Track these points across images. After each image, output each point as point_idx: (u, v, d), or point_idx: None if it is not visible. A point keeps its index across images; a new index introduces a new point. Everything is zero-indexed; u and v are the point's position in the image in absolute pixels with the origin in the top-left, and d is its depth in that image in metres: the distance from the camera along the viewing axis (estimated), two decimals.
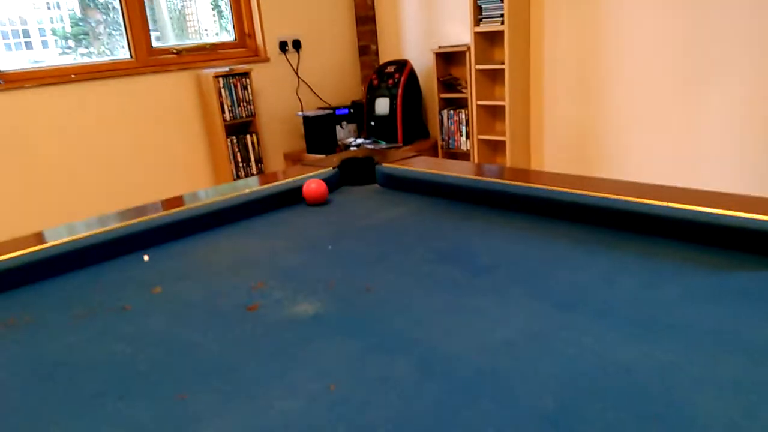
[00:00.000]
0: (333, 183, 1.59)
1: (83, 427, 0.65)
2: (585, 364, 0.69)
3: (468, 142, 3.57)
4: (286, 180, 1.53)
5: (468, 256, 1.05)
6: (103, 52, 8.42)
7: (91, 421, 0.66)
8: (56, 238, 1.18)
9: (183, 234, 1.30)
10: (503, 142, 3.38)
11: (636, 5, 2.87)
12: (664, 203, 1.08)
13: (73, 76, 2.97)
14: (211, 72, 3.25)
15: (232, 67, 3.35)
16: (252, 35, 3.63)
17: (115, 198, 3.14)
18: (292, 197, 1.49)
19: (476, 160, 3.48)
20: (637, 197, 1.13)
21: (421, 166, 1.57)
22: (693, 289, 0.86)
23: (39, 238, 1.21)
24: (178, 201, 1.42)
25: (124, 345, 0.83)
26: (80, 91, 2.97)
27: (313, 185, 1.43)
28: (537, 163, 3.45)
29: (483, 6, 3.25)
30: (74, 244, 1.16)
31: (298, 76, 3.77)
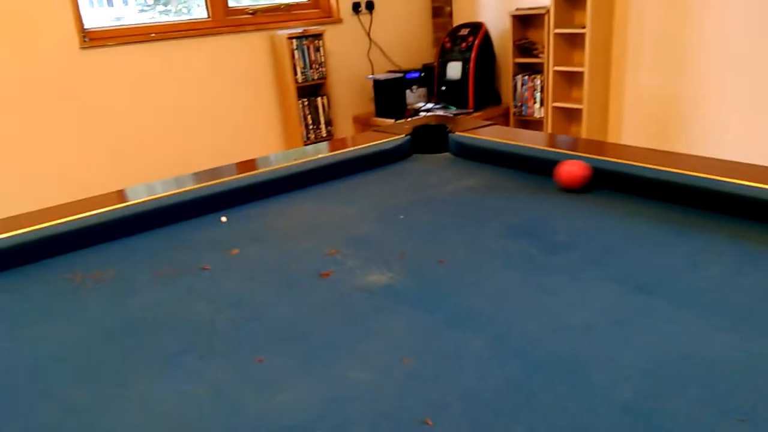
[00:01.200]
0: (405, 150, 1.58)
1: (166, 383, 0.68)
2: (667, 353, 0.66)
3: (542, 109, 3.46)
4: (357, 147, 1.53)
5: (544, 232, 1.03)
6: (180, 10, 8.60)
7: (173, 378, 0.69)
8: (137, 197, 1.23)
9: (256, 197, 1.32)
10: (579, 111, 3.25)
11: None
12: (756, 184, 1.01)
13: (153, 35, 3.05)
14: (285, 33, 3.26)
15: (306, 28, 3.35)
16: None
17: (189, 157, 3.24)
18: (363, 163, 1.49)
19: (550, 129, 3.37)
20: (725, 176, 1.07)
21: (494, 135, 1.53)
22: None
23: (121, 196, 1.26)
24: (251, 164, 1.44)
25: (204, 305, 0.86)
26: (159, 50, 3.05)
27: (575, 168, 1.19)
28: (615, 135, 3.31)
29: None
30: (156, 202, 1.20)
31: (370, 38, 3.74)
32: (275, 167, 1.38)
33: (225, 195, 1.29)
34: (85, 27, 2.87)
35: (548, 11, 3.23)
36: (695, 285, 0.81)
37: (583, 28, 3.09)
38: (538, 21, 3.44)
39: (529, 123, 3.62)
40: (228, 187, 1.29)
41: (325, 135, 3.52)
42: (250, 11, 3.39)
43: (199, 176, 1.37)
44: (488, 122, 1.67)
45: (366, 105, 3.81)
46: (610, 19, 3.14)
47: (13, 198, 2.78)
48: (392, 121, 3.54)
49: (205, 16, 3.29)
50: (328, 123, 3.52)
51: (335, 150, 1.51)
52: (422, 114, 3.52)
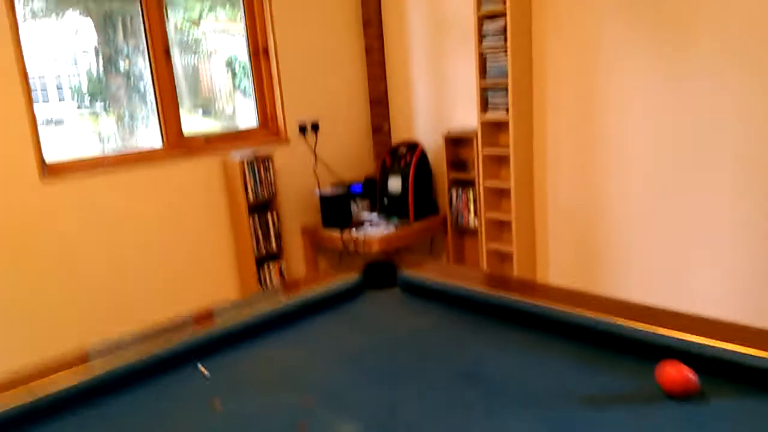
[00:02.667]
0: (357, 288, 1.78)
1: None
2: None
3: (476, 219, 3.77)
4: (312, 289, 1.72)
5: (482, 376, 1.23)
6: (122, 114, 8.71)
7: None
8: (97, 357, 1.37)
9: (213, 350, 1.46)
10: (509, 222, 3.58)
11: (636, 104, 3.11)
12: (651, 329, 1.27)
13: (106, 166, 3.22)
14: (237, 156, 3.50)
15: (257, 149, 3.60)
16: (274, 119, 3.90)
17: (148, 283, 3.33)
18: (317, 306, 1.67)
19: (483, 239, 3.67)
20: (629, 319, 1.32)
21: (438, 273, 1.77)
22: (681, 416, 1.03)
23: (83, 359, 1.39)
24: (208, 315, 1.61)
25: None
26: (115, 179, 3.21)
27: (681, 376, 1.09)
28: (542, 244, 3.64)
29: (489, 97, 3.52)
30: (119, 370, 1.32)
31: (316, 156, 4.02)
32: (230, 320, 1.55)
33: (190, 350, 1.44)
34: (45, 160, 3.01)
35: (476, 134, 3.61)
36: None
37: (507, 148, 3.47)
38: (468, 141, 3.82)
39: (465, 231, 3.93)
40: (186, 345, 1.45)
41: (275, 248, 3.70)
42: (204, 137, 3.63)
43: (156, 333, 1.52)
44: (430, 260, 1.91)
45: (313, 217, 4.03)
46: (530, 143, 3.54)
47: None
48: (338, 231, 3.77)
49: (159, 144, 3.50)
50: (278, 236, 3.71)
51: (290, 291, 1.70)
52: (368, 225, 3.78)
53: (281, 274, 3.76)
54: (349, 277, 1.79)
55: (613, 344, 1.29)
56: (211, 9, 9.68)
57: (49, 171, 3.02)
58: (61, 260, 3.05)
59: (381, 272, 1.83)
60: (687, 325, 1.29)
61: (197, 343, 1.44)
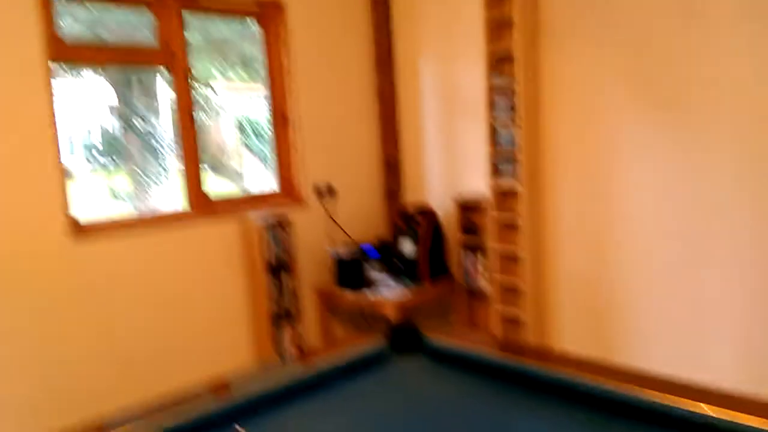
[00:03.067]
0: (383, 354, 1.86)
1: None
2: None
3: (487, 283, 3.86)
4: (336, 355, 1.80)
5: None
6: (137, 172, 8.91)
7: None
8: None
9: (240, 418, 1.51)
10: (520, 287, 3.66)
11: (644, 174, 3.26)
12: (668, 399, 1.35)
13: (134, 226, 3.34)
14: (256, 218, 3.62)
15: (276, 212, 3.73)
16: (292, 182, 4.05)
17: (165, 347, 3.40)
18: (344, 373, 1.74)
19: (495, 302, 3.75)
20: (646, 388, 1.40)
21: (460, 339, 1.85)
22: None
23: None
24: (225, 388, 1.69)
25: None
26: (134, 240, 3.32)
27: None
28: (553, 309, 3.71)
29: (499, 165, 3.67)
30: None
31: (332, 218, 4.15)
32: (250, 390, 1.62)
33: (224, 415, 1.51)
34: (74, 217, 3.14)
35: (487, 200, 3.74)
36: None
37: (518, 214, 3.60)
38: (479, 206, 3.95)
39: (477, 295, 4.01)
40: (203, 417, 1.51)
41: (290, 309, 3.78)
42: (226, 201, 3.77)
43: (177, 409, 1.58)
44: (457, 330, 2.00)
45: (328, 277, 4.13)
46: (541, 208, 3.67)
47: None
48: (352, 292, 3.86)
49: (180, 204, 3.64)
50: (294, 297, 3.80)
51: (314, 357, 1.79)
52: (382, 290, 3.87)
53: (298, 337, 3.82)
54: (374, 342, 1.87)
55: (629, 413, 1.37)
56: (224, 70, 10.04)
57: (78, 230, 3.13)
58: (85, 319, 3.13)
59: (406, 337, 1.91)
60: (702, 396, 1.37)
61: (228, 409, 1.51)
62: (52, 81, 3.03)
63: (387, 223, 4.49)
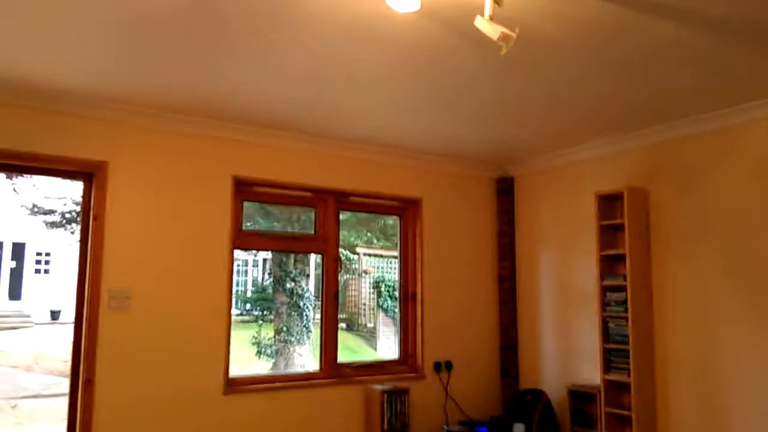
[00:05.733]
0: None
1: None
2: None
3: None
4: None
5: None
6: (282, 328, 9.77)
7: None
8: None
9: None
10: None
11: (759, 369, 3.27)
12: None
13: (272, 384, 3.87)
14: (378, 387, 4.01)
15: (396, 384, 4.10)
16: (414, 355, 4.44)
17: None
18: None
19: None
20: None
21: None
22: None
23: None
24: None
25: None
26: (273, 396, 3.81)
27: None
28: None
29: (611, 357, 3.81)
30: None
31: (447, 394, 4.43)
32: None
33: None
34: (229, 375, 3.73)
35: (599, 391, 3.85)
36: None
37: (630, 411, 3.65)
38: (591, 396, 4.04)
39: None
40: None
41: None
42: (353, 366, 4.23)
43: None
44: None
45: None
46: (654, 403, 3.70)
47: None
48: None
49: (317, 368, 4.15)
50: None
51: None
52: None
53: None
54: None
55: None
56: (367, 240, 11.05)
57: (230, 384, 3.70)
58: None
59: None
60: None
61: None
62: (233, 258, 3.82)
63: (500, 402, 4.65)
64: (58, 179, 9.18)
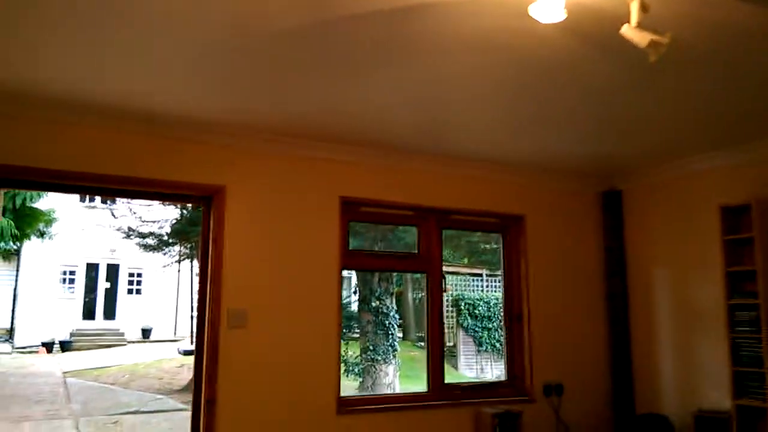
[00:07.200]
0: None
1: None
2: None
3: None
4: None
5: None
6: (368, 347, 9.76)
7: None
8: None
9: None
10: None
11: None
12: None
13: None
14: (489, 411, 3.90)
15: (508, 408, 3.97)
16: (522, 377, 4.30)
17: None
18: None
19: None
20: None
21: None
22: None
23: None
24: None
25: None
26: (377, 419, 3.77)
27: None
28: None
29: (743, 381, 3.55)
30: None
31: (559, 418, 4.25)
32: None
33: None
34: (341, 395, 3.72)
35: (730, 416, 3.58)
36: None
37: None
38: (720, 423, 3.77)
39: None
40: None
41: None
42: (461, 387, 4.14)
43: None
44: None
45: None
46: None
47: None
48: None
49: (425, 388, 4.08)
50: None
51: None
52: None
53: None
54: None
55: None
56: (453, 258, 10.92)
57: (341, 404, 3.69)
58: None
59: None
60: None
61: None
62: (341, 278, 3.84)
63: (613, 427, 4.42)
64: (168, 204, 9.60)
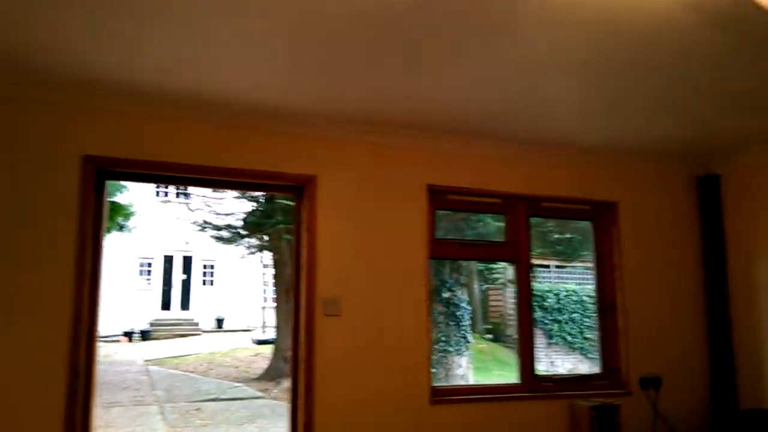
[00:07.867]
0: None
1: None
2: None
3: None
4: None
5: None
6: (440, 338, 9.70)
7: None
8: None
9: None
10: None
11: None
12: None
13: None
14: (585, 404, 3.77)
15: (605, 401, 3.83)
16: (617, 370, 4.14)
17: None
18: None
19: None
20: None
21: None
22: None
23: None
24: None
25: None
26: (487, 408, 3.71)
27: None
28: None
29: None
30: None
31: (657, 412, 4.07)
32: None
33: None
34: (433, 385, 3.68)
35: None
36: None
37: None
38: None
39: None
40: None
41: None
42: (553, 379, 4.02)
43: None
44: None
45: None
46: None
47: None
48: None
49: (517, 380, 3.99)
50: None
51: None
52: None
53: None
54: None
55: None
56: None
57: (434, 394, 3.65)
58: None
59: None
60: None
61: None
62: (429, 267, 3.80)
63: (712, 422, 4.20)
64: (263, 194, 9.76)
